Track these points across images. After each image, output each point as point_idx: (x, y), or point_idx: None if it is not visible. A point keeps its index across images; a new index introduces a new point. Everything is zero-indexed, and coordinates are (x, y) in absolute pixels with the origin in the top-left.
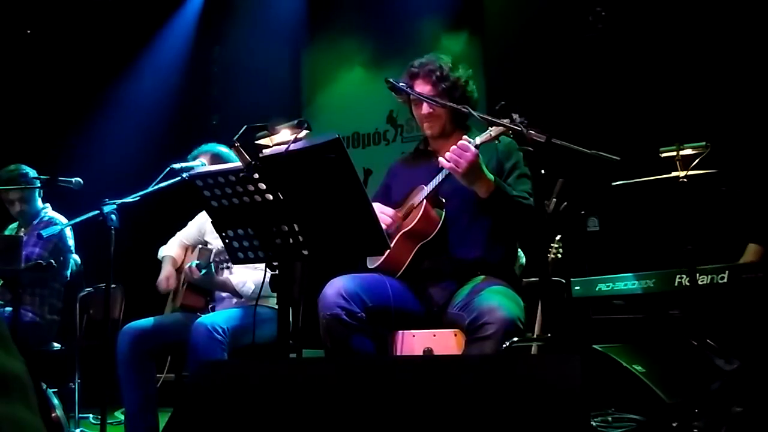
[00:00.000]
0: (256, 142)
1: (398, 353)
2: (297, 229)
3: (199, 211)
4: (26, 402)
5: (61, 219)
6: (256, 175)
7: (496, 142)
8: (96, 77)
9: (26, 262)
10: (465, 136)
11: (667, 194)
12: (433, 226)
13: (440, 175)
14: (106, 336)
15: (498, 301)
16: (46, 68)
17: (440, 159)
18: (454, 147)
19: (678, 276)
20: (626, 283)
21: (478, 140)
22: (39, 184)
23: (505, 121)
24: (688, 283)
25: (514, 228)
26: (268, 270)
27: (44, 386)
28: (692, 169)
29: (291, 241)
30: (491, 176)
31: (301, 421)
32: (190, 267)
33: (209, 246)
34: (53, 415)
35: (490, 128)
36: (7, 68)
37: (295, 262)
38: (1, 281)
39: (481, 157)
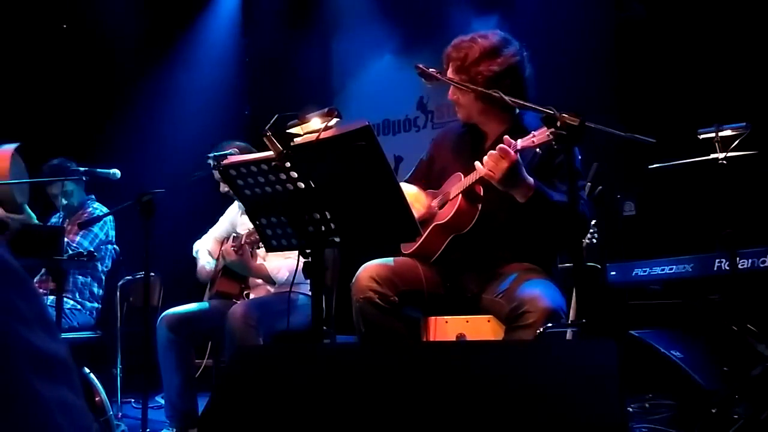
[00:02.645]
0: (288, 130)
1: (431, 339)
2: (329, 216)
3: (229, 206)
4: (71, 385)
5: (104, 210)
6: (288, 164)
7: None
8: (132, 70)
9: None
10: (506, 137)
11: (705, 177)
12: (467, 222)
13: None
14: (146, 323)
15: (540, 290)
16: (82, 63)
17: (476, 163)
18: (492, 152)
19: (717, 260)
20: (664, 267)
21: (519, 144)
22: (79, 177)
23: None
24: (727, 268)
25: (554, 232)
26: (301, 257)
27: (87, 371)
28: (732, 151)
29: (323, 228)
30: (531, 181)
31: (335, 406)
32: (225, 249)
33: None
34: (96, 399)
35: (533, 134)
36: (46, 63)
37: (328, 249)
38: (44, 269)
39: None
